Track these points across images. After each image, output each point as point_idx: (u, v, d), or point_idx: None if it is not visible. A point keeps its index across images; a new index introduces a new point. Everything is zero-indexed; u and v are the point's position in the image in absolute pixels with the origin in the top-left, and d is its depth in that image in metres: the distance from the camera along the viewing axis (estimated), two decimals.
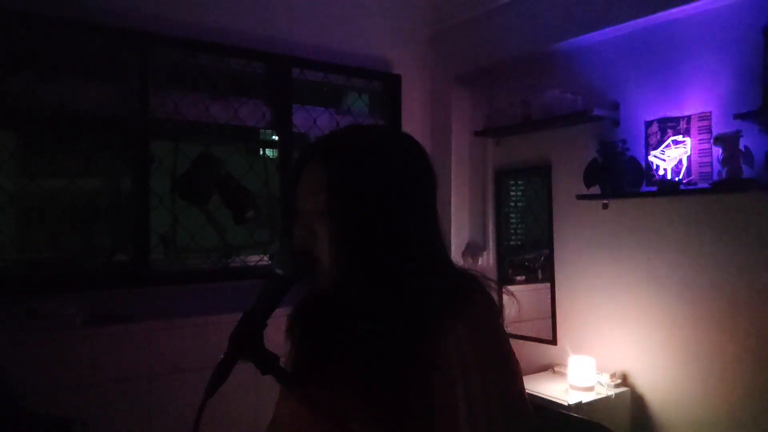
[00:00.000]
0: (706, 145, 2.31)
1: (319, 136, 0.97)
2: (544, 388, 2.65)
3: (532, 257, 3.18)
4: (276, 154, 3.02)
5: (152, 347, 2.31)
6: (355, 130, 1.00)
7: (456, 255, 3.32)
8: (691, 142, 2.35)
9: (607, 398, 2.51)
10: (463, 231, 3.39)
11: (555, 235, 2.98)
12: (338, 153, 0.88)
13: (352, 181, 0.84)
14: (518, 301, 1.02)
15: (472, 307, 0.86)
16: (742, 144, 2.15)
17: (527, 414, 0.83)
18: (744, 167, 2.15)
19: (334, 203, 0.84)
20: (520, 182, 3.25)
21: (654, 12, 2.40)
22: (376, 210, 0.84)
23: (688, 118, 2.37)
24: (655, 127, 2.48)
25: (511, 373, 0.84)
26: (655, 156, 2.45)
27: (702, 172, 2.32)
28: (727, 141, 2.17)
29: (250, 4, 2.78)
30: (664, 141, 2.43)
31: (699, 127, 2.33)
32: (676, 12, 2.38)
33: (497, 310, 0.90)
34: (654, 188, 2.44)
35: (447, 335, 0.81)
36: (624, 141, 2.55)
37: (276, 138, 3.00)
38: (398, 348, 0.82)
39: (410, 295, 0.84)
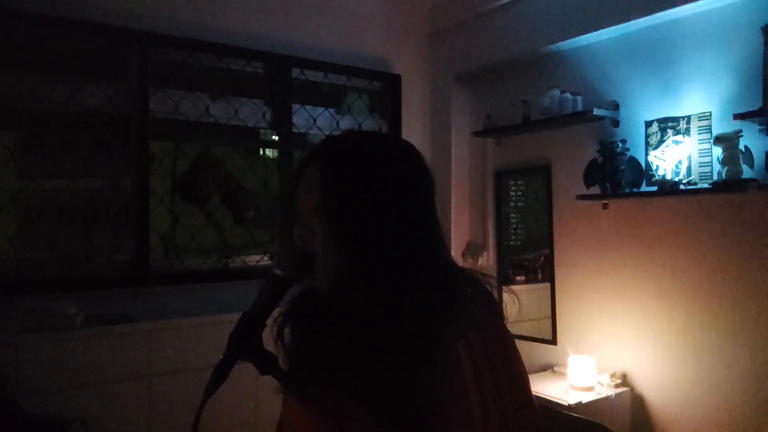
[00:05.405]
0: (706, 145, 2.31)
1: (318, 142, 0.98)
2: (544, 388, 2.65)
3: (532, 257, 3.18)
4: (276, 154, 3.02)
5: (152, 347, 2.30)
6: (352, 133, 1.02)
7: (456, 255, 3.32)
8: (691, 142, 2.35)
9: (607, 398, 2.51)
10: (463, 231, 3.39)
11: (555, 235, 2.98)
12: (332, 153, 0.90)
13: (343, 177, 0.86)
14: (519, 300, 1.02)
15: (478, 309, 0.86)
16: (742, 144, 2.16)
17: (538, 415, 0.83)
18: (744, 167, 2.16)
19: (326, 199, 0.85)
20: (520, 182, 3.25)
21: (654, 12, 2.40)
22: (368, 207, 0.85)
23: (688, 118, 2.37)
24: (655, 127, 2.48)
25: (520, 374, 0.84)
26: (655, 156, 2.45)
27: (702, 172, 2.32)
28: (727, 141, 2.17)
29: (250, 4, 2.78)
30: (664, 141, 2.43)
31: (699, 127, 2.33)
32: (676, 12, 2.38)
33: (499, 311, 0.90)
34: (654, 188, 2.44)
35: (456, 339, 0.80)
36: (624, 141, 2.55)
37: (276, 138, 3.00)
38: (400, 348, 0.82)
39: (409, 294, 0.84)
